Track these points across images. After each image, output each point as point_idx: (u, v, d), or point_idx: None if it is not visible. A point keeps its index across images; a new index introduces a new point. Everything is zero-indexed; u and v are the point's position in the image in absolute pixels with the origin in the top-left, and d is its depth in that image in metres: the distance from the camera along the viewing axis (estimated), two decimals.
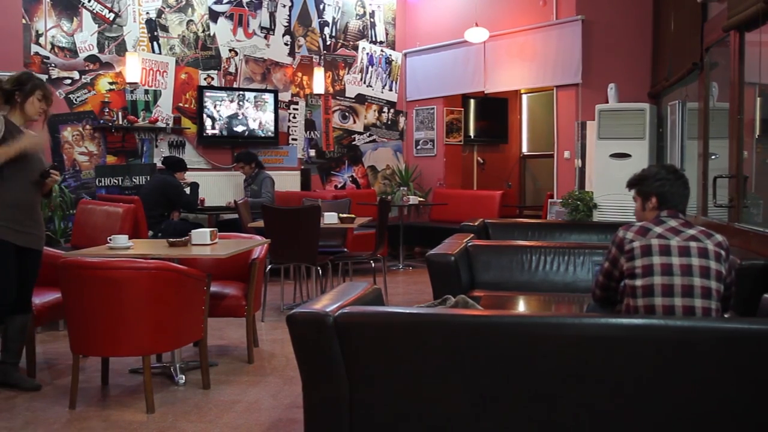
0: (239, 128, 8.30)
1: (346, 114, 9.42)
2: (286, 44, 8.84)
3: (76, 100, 7.49)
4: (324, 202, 7.10)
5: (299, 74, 8.98)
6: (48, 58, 7.32)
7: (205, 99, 8.06)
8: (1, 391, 4.03)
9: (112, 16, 7.66)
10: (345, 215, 6.10)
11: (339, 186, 9.33)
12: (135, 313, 3.58)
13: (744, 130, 4.49)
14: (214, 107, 8.13)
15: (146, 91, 7.85)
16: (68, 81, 7.44)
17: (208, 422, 3.48)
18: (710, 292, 2.62)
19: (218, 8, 8.31)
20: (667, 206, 2.82)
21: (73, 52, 7.46)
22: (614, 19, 7.53)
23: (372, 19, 9.60)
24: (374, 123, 9.65)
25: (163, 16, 7.95)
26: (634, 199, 3.01)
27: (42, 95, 3.91)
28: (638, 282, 2.68)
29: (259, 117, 8.42)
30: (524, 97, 10.46)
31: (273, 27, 8.74)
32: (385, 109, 9.72)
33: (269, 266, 5.96)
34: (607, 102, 7.22)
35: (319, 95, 9.07)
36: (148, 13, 7.86)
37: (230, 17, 8.41)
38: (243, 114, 8.31)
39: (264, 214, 5.82)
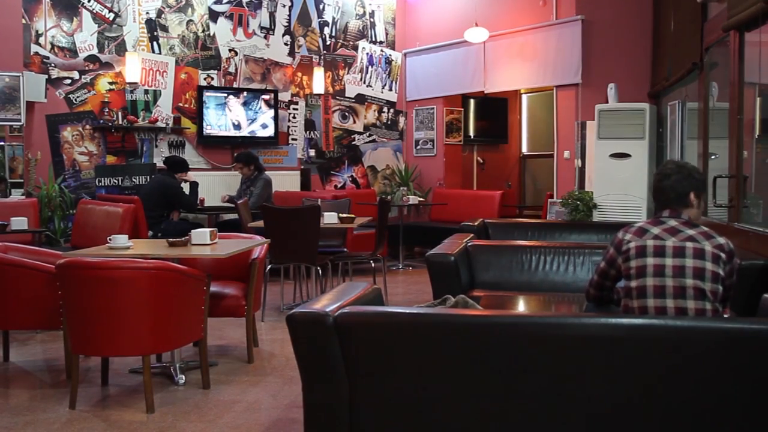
0: (239, 128, 8.30)
1: (346, 114, 9.42)
2: (285, 44, 8.84)
3: (75, 100, 7.49)
4: (324, 202, 7.09)
5: (299, 74, 8.98)
6: (48, 58, 7.32)
7: (205, 99, 8.06)
8: (1, 391, 4.04)
9: (112, 16, 7.66)
10: (345, 215, 6.10)
11: (339, 186, 9.33)
12: (135, 313, 3.58)
13: (744, 130, 4.49)
14: (214, 107, 8.13)
15: (146, 91, 7.85)
16: (68, 81, 7.44)
17: (208, 422, 3.48)
18: (704, 293, 2.58)
19: (218, 8, 8.31)
20: (664, 205, 2.76)
21: (73, 52, 7.46)
22: (614, 19, 7.53)
23: (372, 19, 9.59)
24: (374, 123, 9.65)
25: (162, 16, 7.95)
26: None
27: None
28: (633, 283, 2.69)
29: (259, 117, 8.42)
30: (524, 97, 10.45)
31: (273, 27, 8.73)
32: (385, 109, 9.72)
33: (269, 266, 5.96)
34: (606, 102, 7.21)
35: (319, 95, 9.06)
36: (148, 13, 7.85)
37: (230, 17, 8.41)
38: (243, 114, 8.31)
39: (264, 214, 5.82)
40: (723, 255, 2.65)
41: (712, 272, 2.60)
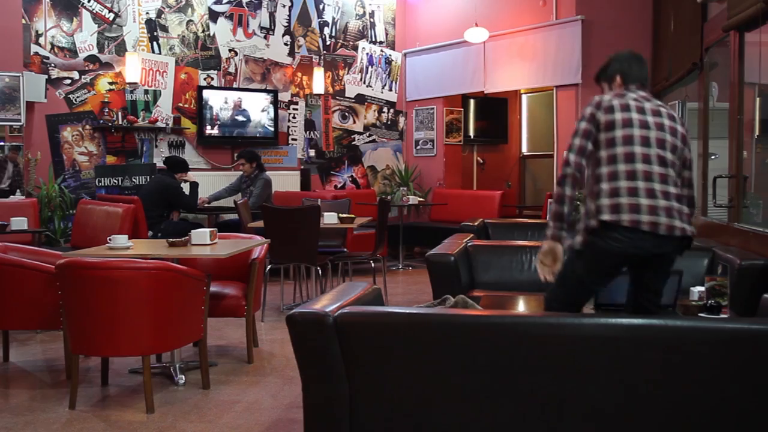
0: (239, 128, 8.30)
1: (346, 114, 9.42)
2: (285, 44, 8.84)
3: (75, 100, 7.49)
4: (324, 202, 7.09)
5: (299, 74, 8.98)
6: (48, 58, 7.32)
7: (205, 99, 8.06)
8: (1, 391, 4.04)
9: (111, 16, 7.66)
10: (345, 215, 6.10)
11: (339, 186, 9.33)
12: (135, 313, 3.58)
13: (744, 130, 4.50)
14: (214, 107, 8.13)
15: (146, 91, 7.85)
16: (68, 81, 7.44)
17: (207, 422, 3.48)
18: (677, 149, 2.79)
19: (218, 8, 8.31)
20: (632, 82, 2.94)
21: (72, 52, 7.46)
22: (614, 19, 7.53)
23: (372, 19, 9.59)
24: (374, 123, 9.65)
25: (162, 16, 7.95)
26: (602, 90, 3.08)
27: None
28: (618, 133, 2.75)
29: (259, 117, 8.42)
30: (524, 97, 10.46)
31: (273, 27, 8.73)
32: (385, 109, 9.72)
33: (269, 266, 5.96)
34: None
35: (319, 95, 9.06)
36: (147, 13, 7.85)
37: (230, 17, 8.41)
38: (242, 114, 8.31)
39: (264, 214, 5.82)
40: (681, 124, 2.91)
41: (681, 134, 2.85)
